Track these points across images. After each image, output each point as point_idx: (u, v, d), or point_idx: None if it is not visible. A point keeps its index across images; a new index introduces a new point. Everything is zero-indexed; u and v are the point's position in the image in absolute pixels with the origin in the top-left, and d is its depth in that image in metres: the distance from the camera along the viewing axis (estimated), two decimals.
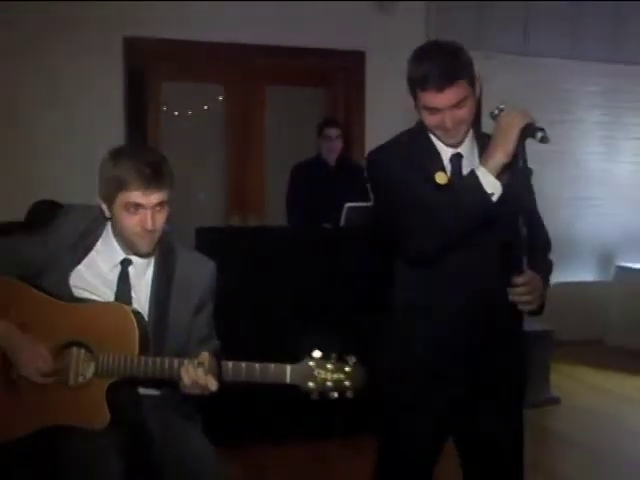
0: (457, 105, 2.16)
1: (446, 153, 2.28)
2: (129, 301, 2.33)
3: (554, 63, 7.25)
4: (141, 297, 2.35)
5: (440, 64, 2.12)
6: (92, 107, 5.83)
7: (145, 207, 2.22)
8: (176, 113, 6.65)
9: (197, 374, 2.09)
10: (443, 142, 2.27)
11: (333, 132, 5.57)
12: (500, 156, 2.05)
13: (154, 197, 2.21)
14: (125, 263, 2.35)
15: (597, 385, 6.05)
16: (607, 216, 7.52)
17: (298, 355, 2.07)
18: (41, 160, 5.71)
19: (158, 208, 2.24)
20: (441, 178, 2.22)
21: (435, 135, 2.27)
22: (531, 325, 2.46)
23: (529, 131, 2.03)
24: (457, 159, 2.26)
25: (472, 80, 2.19)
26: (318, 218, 5.08)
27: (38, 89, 5.78)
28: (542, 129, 2.02)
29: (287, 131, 6.61)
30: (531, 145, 2.10)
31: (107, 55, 5.93)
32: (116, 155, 2.27)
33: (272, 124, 6.62)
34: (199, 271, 2.43)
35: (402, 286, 2.36)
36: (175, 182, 2.30)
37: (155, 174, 2.20)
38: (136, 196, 2.20)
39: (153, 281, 2.37)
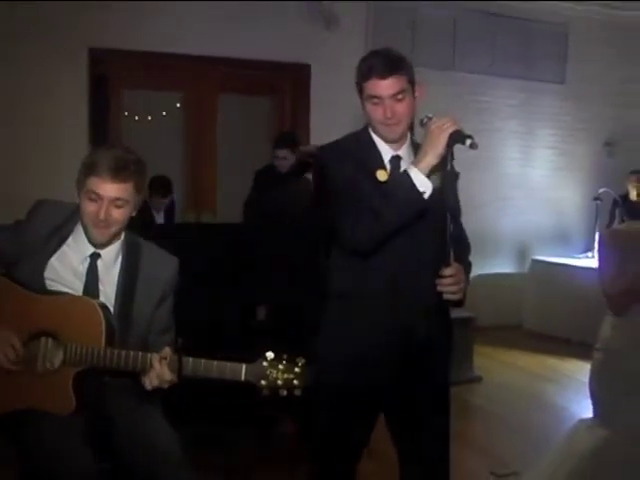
0: (397, 96, 2.18)
1: (387, 154, 2.29)
2: (97, 293, 2.27)
3: (476, 79, 7.36)
4: (108, 289, 2.30)
5: (384, 57, 2.19)
6: (58, 112, 5.71)
7: (103, 198, 2.17)
8: (137, 118, 6.58)
9: (161, 369, 2.08)
10: (385, 139, 2.27)
11: (281, 153, 5.29)
12: (430, 158, 2.06)
13: (113, 189, 2.16)
14: (94, 257, 2.29)
15: (514, 364, 6.15)
16: (523, 215, 7.65)
17: (249, 348, 2.07)
18: (9, 160, 5.56)
19: (118, 203, 2.19)
20: (382, 175, 2.22)
21: (378, 134, 2.27)
22: (456, 312, 2.46)
23: (458, 137, 2.04)
24: (396, 160, 2.27)
25: (412, 82, 2.22)
26: (273, 219, 5.02)
27: (5, 94, 5.63)
28: (471, 136, 2.03)
29: (238, 136, 6.58)
30: (459, 152, 2.12)
31: (73, 64, 5.82)
32: (99, 146, 2.27)
33: (224, 130, 6.58)
34: (163, 266, 2.39)
35: (338, 273, 2.34)
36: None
37: (120, 168, 2.16)
38: (97, 184, 2.16)
39: (120, 275, 2.32)
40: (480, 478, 3.76)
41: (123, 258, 2.34)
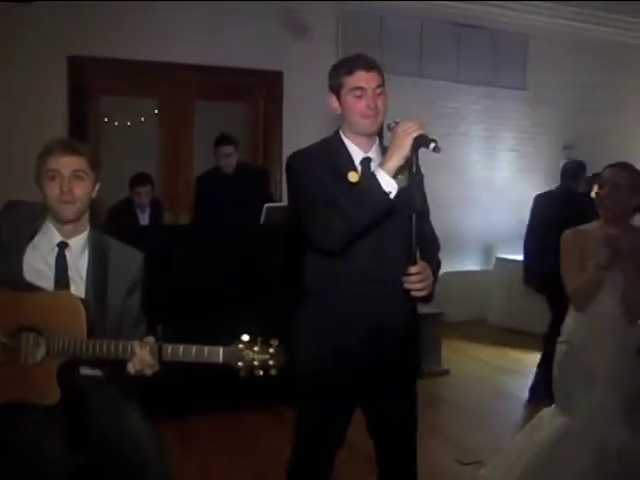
0: (378, 89, 2.22)
1: (357, 156, 2.30)
2: (67, 281, 2.30)
3: (443, 85, 7.41)
4: (77, 279, 2.32)
5: (362, 55, 2.27)
6: (38, 118, 5.63)
7: (62, 173, 2.23)
8: (116, 124, 6.54)
9: (143, 353, 2.10)
10: (362, 132, 2.28)
11: (228, 149, 5.23)
12: (396, 159, 2.07)
13: (69, 161, 2.24)
14: (62, 246, 2.32)
15: (480, 358, 6.20)
16: (488, 215, 7.70)
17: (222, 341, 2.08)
18: None
19: (78, 174, 2.26)
20: (353, 177, 2.23)
21: (353, 133, 2.29)
22: (424, 308, 2.49)
23: (422, 141, 2.05)
24: (367, 162, 2.28)
25: (385, 83, 2.26)
26: (223, 220, 5.00)
27: None
28: (434, 140, 2.04)
29: (214, 140, 6.56)
30: (427, 155, 2.15)
31: (52, 72, 5.77)
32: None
33: (201, 134, 6.57)
34: (131, 258, 2.43)
35: (312, 272, 2.36)
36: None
37: (71, 144, 2.28)
38: (54, 162, 2.24)
39: (89, 263, 2.35)
40: (447, 466, 3.79)
41: (91, 250, 2.37)
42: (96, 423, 2.24)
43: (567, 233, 3.01)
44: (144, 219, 5.57)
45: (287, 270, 4.00)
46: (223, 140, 5.29)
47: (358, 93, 2.22)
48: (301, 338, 2.36)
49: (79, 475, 2.16)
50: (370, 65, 2.22)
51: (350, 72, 2.22)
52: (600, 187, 2.91)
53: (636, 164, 3.00)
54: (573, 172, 5.26)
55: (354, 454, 3.05)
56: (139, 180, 5.50)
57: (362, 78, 2.21)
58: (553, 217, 4.79)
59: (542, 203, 5.31)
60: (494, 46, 7.70)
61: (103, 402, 2.29)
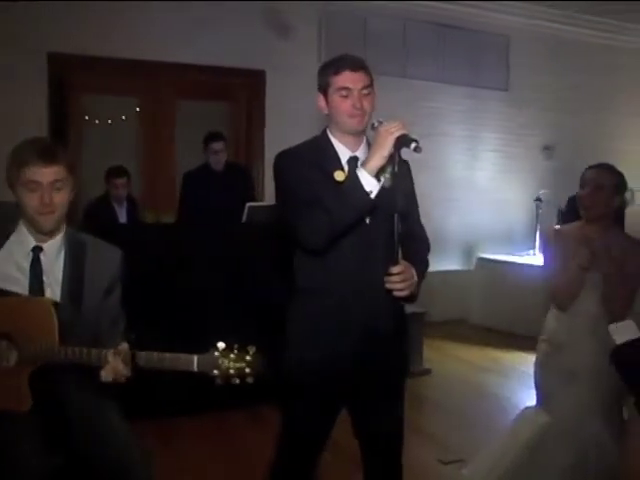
0: (364, 90, 2.22)
1: (344, 156, 2.30)
2: (41, 287, 2.24)
3: (426, 85, 7.42)
4: (53, 283, 2.26)
5: (351, 56, 2.27)
6: (18, 116, 5.55)
7: (42, 184, 2.17)
8: (97, 122, 6.48)
9: (116, 363, 2.06)
10: (349, 131, 2.27)
11: (218, 146, 5.27)
12: (377, 159, 2.08)
13: (49, 172, 2.17)
14: (36, 250, 2.26)
15: (461, 357, 6.20)
16: (469, 215, 7.72)
17: (203, 342, 2.05)
18: None
19: (57, 185, 2.19)
20: (339, 176, 2.23)
21: (340, 132, 2.29)
22: (407, 307, 2.47)
23: (404, 141, 2.05)
24: (354, 161, 2.27)
25: (373, 84, 2.26)
26: (210, 218, 4.97)
27: None
28: (416, 140, 2.04)
29: (195, 139, 6.52)
30: (409, 155, 2.13)
31: (32, 69, 5.70)
32: (21, 141, 2.25)
33: (182, 133, 6.53)
34: (108, 256, 2.37)
35: (300, 271, 2.35)
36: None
37: (48, 151, 2.19)
38: (33, 173, 2.16)
39: (65, 266, 2.29)
40: (428, 465, 3.78)
41: (67, 251, 2.31)
42: (76, 425, 2.20)
43: (549, 232, 3.01)
44: (122, 215, 5.54)
45: (273, 270, 3.99)
46: (213, 137, 5.33)
47: (344, 93, 2.22)
48: (288, 338, 2.35)
49: (58, 477, 2.13)
50: (357, 65, 2.22)
51: (337, 72, 2.22)
52: (582, 188, 2.91)
53: (617, 165, 3.01)
54: None
55: (339, 454, 3.03)
56: (115, 172, 5.47)
57: (348, 78, 2.21)
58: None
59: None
60: (476, 47, 7.72)
61: (82, 403, 2.26)
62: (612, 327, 1.24)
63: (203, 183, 5.25)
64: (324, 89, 2.27)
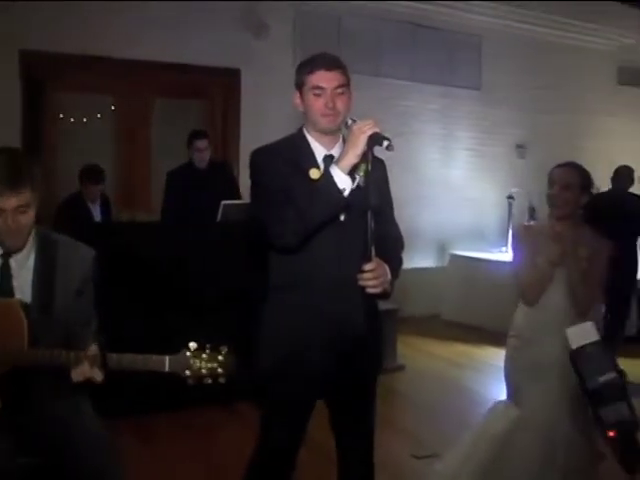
0: (338, 89, 2.22)
1: (320, 154, 2.30)
2: (11, 289, 2.20)
3: (400, 85, 7.44)
4: (24, 286, 2.22)
5: (327, 55, 2.27)
6: None
7: (6, 210, 2.08)
8: (72, 120, 6.41)
9: (84, 368, 2.04)
10: (323, 130, 2.27)
11: (202, 144, 5.26)
12: (350, 157, 2.08)
13: (13, 200, 2.07)
14: (5, 256, 2.21)
15: (434, 353, 6.24)
16: (443, 213, 7.76)
17: (177, 340, 2.04)
18: None
19: (22, 209, 2.10)
20: (314, 174, 2.22)
21: (315, 130, 2.29)
22: (380, 304, 2.48)
23: (377, 139, 2.06)
24: (329, 159, 2.26)
25: (349, 83, 2.26)
26: (194, 217, 4.96)
27: None
28: (388, 138, 2.05)
29: (171, 138, 6.48)
30: (383, 154, 2.14)
31: (5, 67, 5.61)
32: None
33: (158, 131, 6.48)
34: (80, 257, 2.32)
35: (274, 267, 2.34)
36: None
37: (15, 179, 2.07)
38: None
39: (36, 269, 2.24)
40: (402, 460, 3.81)
41: (37, 252, 2.26)
42: (48, 425, 2.18)
43: (519, 228, 3.04)
44: (96, 213, 5.49)
45: (248, 268, 3.98)
46: (198, 134, 5.34)
47: (317, 92, 2.22)
48: (262, 335, 2.34)
49: (30, 478, 2.11)
50: (332, 65, 2.22)
51: (311, 71, 2.23)
52: (551, 186, 2.94)
53: (586, 163, 3.06)
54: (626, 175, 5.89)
55: (315, 450, 3.03)
56: (90, 172, 5.42)
57: (322, 78, 2.21)
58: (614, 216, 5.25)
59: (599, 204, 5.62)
60: (449, 47, 7.76)
61: (54, 404, 2.23)
62: (570, 331, 1.25)
63: (187, 181, 5.23)
64: (300, 87, 2.28)
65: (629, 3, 8.40)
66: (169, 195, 5.36)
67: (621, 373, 1.19)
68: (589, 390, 1.19)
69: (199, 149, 5.25)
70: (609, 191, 5.97)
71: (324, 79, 2.21)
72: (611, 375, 1.18)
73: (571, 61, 8.52)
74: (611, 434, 1.18)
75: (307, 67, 2.25)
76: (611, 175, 6.05)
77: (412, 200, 7.24)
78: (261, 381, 2.34)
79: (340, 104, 2.23)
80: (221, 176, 5.36)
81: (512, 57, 8.08)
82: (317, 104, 2.23)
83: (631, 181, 6.01)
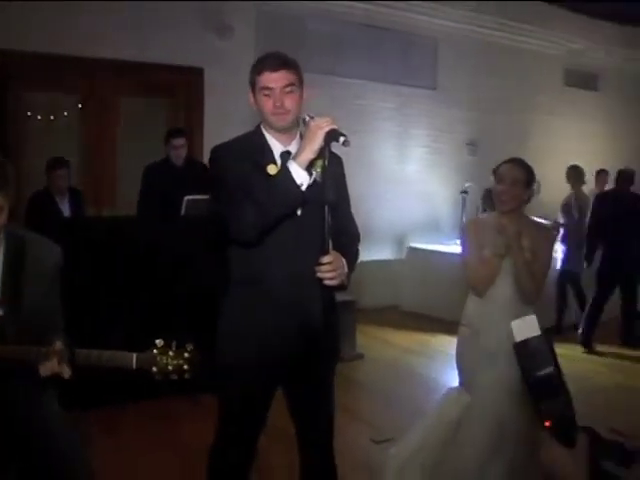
0: (286, 89, 2.21)
1: (277, 150, 2.29)
2: None
3: (357, 84, 7.45)
4: None
5: (275, 55, 2.26)
6: None
7: None
8: (39, 118, 6.26)
9: (52, 364, 2.00)
10: (276, 128, 2.26)
11: (179, 142, 5.27)
12: (308, 153, 2.08)
13: None
14: None
15: (392, 342, 6.29)
16: (400, 207, 7.81)
17: (143, 336, 2.01)
18: None
19: None
20: (272, 169, 2.22)
21: (269, 127, 2.27)
22: (340, 295, 2.48)
23: (333, 135, 2.05)
24: (286, 155, 2.25)
25: (301, 81, 2.26)
26: (167, 211, 4.91)
27: None
28: (344, 134, 2.05)
29: (136, 135, 6.39)
30: (341, 150, 2.13)
31: None
32: None
33: (123, 129, 6.38)
34: (48, 253, 2.27)
35: (234, 264, 2.33)
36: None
37: None
38: None
39: (4, 264, 2.18)
40: (361, 445, 3.84)
41: (5, 250, 2.20)
42: (14, 421, 2.13)
43: (468, 222, 3.06)
44: (65, 207, 5.37)
45: (209, 262, 3.95)
46: (176, 133, 5.37)
47: (266, 92, 2.22)
48: (221, 328, 2.33)
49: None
50: (278, 65, 2.21)
51: (259, 72, 2.23)
52: (499, 182, 2.96)
53: (531, 160, 3.10)
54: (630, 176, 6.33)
55: (277, 437, 3.02)
56: (55, 163, 5.31)
57: (269, 79, 2.21)
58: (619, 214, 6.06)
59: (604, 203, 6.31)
60: (406, 48, 7.80)
61: (19, 398, 2.18)
62: (514, 324, 1.26)
63: (163, 177, 5.21)
64: (252, 87, 2.27)
65: (576, 11, 8.59)
66: (145, 189, 5.32)
67: (559, 368, 1.20)
68: (529, 383, 1.20)
69: (175, 147, 5.26)
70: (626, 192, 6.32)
71: (271, 80, 2.20)
72: (549, 370, 1.19)
73: (521, 63, 8.65)
74: (547, 424, 1.19)
75: (256, 68, 2.25)
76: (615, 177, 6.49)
77: (370, 195, 7.27)
78: (221, 372, 2.33)
79: (289, 102, 2.22)
80: (197, 173, 5.31)
81: (465, 59, 8.17)
82: (267, 104, 2.23)
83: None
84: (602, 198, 6.44)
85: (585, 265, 6.34)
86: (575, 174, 6.70)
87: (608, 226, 6.10)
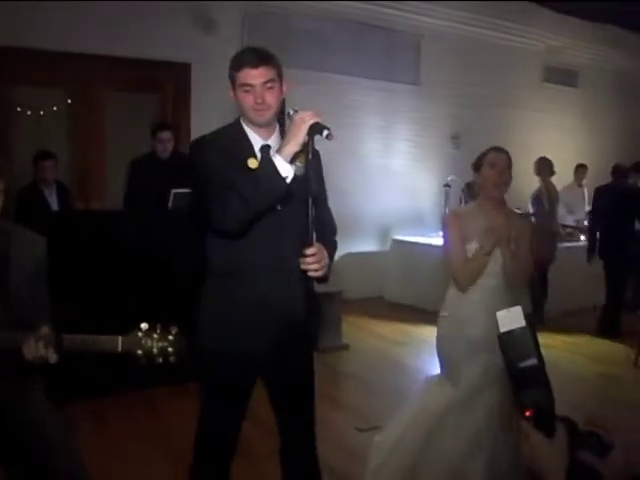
0: (267, 84, 2.17)
1: (257, 144, 2.26)
2: None
3: (343, 79, 7.43)
4: None
5: (254, 51, 2.21)
6: None
7: None
8: (29, 113, 6.21)
9: (38, 348, 1.96)
10: (256, 124, 2.24)
11: (166, 135, 5.25)
12: (292, 146, 2.05)
13: None
14: None
15: (377, 332, 6.30)
16: (385, 200, 7.81)
17: (130, 321, 1.99)
18: None
19: None
20: (252, 163, 2.19)
21: (249, 122, 2.25)
22: (325, 286, 2.47)
23: (317, 128, 2.03)
24: (266, 149, 2.24)
25: (280, 75, 2.22)
26: (154, 204, 4.90)
27: None
28: (327, 128, 2.02)
29: (124, 130, 6.34)
30: (327, 144, 2.11)
31: None
32: None
33: (112, 123, 6.34)
34: (34, 247, 2.25)
35: (213, 256, 2.30)
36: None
37: None
38: None
39: None
40: (346, 433, 3.84)
41: None
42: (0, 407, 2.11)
43: (448, 215, 3.04)
44: (53, 201, 5.32)
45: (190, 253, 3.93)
46: (161, 127, 5.35)
47: (247, 88, 2.18)
48: (201, 318, 2.31)
49: None
50: (257, 62, 2.16)
51: (238, 69, 2.18)
52: (491, 168, 2.91)
53: (513, 154, 3.09)
54: (625, 170, 6.54)
55: (259, 425, 3.01)
56: (42, 155, 5.28)
57: (248, 75, 2.16)
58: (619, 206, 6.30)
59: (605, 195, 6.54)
60: (390, 45, 7.79)
61: (4, 388, 2.16)
62: (499, 314, 1.26)
63: (149, 170, 5.18)
64: (232, 83, 2.23)
65: (557, 9, 8.62)
66: (131, 182, 5.29)
67: (542, 360, 1.20)
68: (512, 373, 1.20)
69: (162, 140, 5.24)
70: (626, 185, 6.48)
71: (251, 76, 2.16)
72: (532, 361, 1.19)
73: (501, 60, 8.67)
74: (527, 414, 1.19)
75: (235, 63, 2.20)
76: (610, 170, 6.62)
77: (355, 188, 7.27)
78: (201, 362, 2.31)
79: (270, 98, 2.19)
80: (183, 166, 5.28)
81: (448, 55, 8.17)
82: (247, 100, 2.19)
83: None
84: (602, 191, 6.61)
85: (588, 258, 6.54)
86: (544, 165, 6.74)
87: (608, 217, 6.36)
